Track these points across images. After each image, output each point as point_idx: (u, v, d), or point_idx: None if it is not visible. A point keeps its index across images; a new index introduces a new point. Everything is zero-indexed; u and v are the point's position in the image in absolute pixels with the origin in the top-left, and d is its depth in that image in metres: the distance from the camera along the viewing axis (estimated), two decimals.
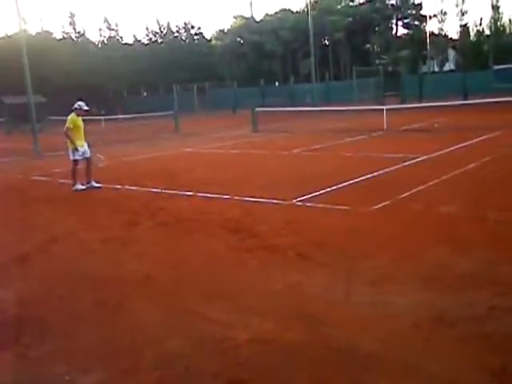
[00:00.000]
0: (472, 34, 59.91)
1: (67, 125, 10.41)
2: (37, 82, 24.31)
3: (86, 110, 10.73)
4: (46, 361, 3.70)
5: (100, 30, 62.87)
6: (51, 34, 58.06)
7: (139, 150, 17.63)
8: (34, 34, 54.68)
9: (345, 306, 4.21)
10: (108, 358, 3.68)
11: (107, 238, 6.69)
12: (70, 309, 4.57)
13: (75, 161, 10.48)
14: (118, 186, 10.41)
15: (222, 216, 7.42)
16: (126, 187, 10.29)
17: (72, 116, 10.50)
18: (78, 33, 60.23)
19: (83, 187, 10.33)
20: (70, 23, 60.39)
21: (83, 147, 10.51)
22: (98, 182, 10.54)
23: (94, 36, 70.14)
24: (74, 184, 10.39)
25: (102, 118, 32.48)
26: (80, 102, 10.64)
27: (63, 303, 4.71)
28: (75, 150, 10.37)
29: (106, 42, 61.43)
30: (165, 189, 9.76)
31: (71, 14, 60.87)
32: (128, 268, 5.51)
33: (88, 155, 10.61)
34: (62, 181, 11.23)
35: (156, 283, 5.02)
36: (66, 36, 59.16)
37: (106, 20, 63.04)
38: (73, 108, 10.61)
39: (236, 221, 7.08)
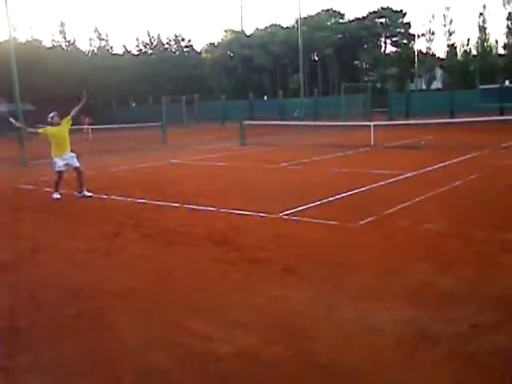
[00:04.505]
0: (459, 53, 60.92)
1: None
2: (26, 89, 24.20)
3: (53, 119, 10.58)
4: (23, 372, 3.63)
5: (90, 39, 62.89)
6: (41, 42, 57.94)
7: (126, 160, 17.55)
8: (23, 41, 54.48)
9: (329, 321, 4.19)
10: (87, 372, 3.62)
11: (91, 249, 6.62)
12: (50, 320, 4.49)
13: (58, 172, 10.43)
14: (104, 196, 10.34)
15: (208, 228, 7.39)
16: (112, 197, 10.22)
17: (46, 127, 10.65)
18: (68, 42, 60.15)
19: (58, 196, 10.28)
20: (60, 32, 60.36)
21: (62, 158, 10.43)
22: (89, 191, 10.48)
23: (84, 45, 69.99)
24: (54, 192, 10.39)
25: (89, 127, 32.17)
26: (51, 114, 10.64)
27: (43, 314, 4.63)
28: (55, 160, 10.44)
29: (95, 51, 61.38)
30: (151, 200, 9.71)
31: (61, 22, 60.95)
32: (110, 279, 5.45)
33: (75, 165, 10.55)
34: (48, 189, 11.11)
35: (138, 295, 4.97)
36: (55, 45, 59.07)
37: (96, 30, 63.02)
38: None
39: (221, 233, 7.06)
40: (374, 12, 68.92)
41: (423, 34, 64.19)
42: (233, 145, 22.11)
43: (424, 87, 62.90)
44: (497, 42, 59.10)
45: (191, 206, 8.94)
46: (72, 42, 60.33)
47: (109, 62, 56.48)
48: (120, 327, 4.27)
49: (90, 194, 10.42)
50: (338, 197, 9.19)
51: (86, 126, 30.93)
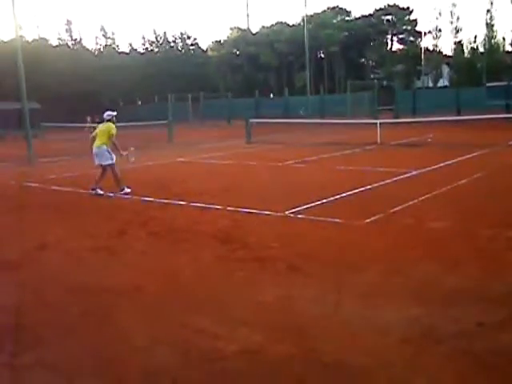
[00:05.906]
0: (466, 51, 60.62)
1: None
2: (32, 88, 24.24)
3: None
4: (30, 370, 3.65)
5: (96, 38, 63.12)
6: (47, 40, 58.19)
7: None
8: (30, 40, 54.70)
9: (334, 320, 4.20)
10: (93, 369, 3.64)
11: (97, 247, 6.65)
12: (57, 318, 4.52)
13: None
14: (111, 194, 10.37)
15: (214, 226, 7.41)
16: (118, 195, 10.26)
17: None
18: (75, 40, 60.33)
19: (101, 192, 10.37)
20: (67, 30, 60.55)
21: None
22: (101, 190, 10.48)
23: (91, 44, 70.31)
24: (122, 188, 10.39)
25: (91, 125, 32.13)
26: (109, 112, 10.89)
27: (50, 312, 4.66)
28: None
29: (102, 50, 61.53)
30: (157, 198, 9.73)
31: (68, 21, 61.10)
32: (117, 278, 5.47)
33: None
34: (54, 188, 11.17)
35: (144, 293, 4.99)
36: (62, 43, 59.24)
37: (102, 28, 63.22)
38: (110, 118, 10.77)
39: (227, 231, 7.07)
40: (381, 9, 68.61)
41: (430, 32, 63.98)
42: (239, 143, 22.11)
43: (431, 85, 62.64)
44: (504, 39, 58.82)
45: (197, 204, 8.96)
46: (78, 40, 60.55)
47: (115, 61, 56.56)
48: (126, 325, 4.29)
49: (101, 192, 10.43)
50: (343, 195, 9.18)
51: (87, 125, 31.04)
